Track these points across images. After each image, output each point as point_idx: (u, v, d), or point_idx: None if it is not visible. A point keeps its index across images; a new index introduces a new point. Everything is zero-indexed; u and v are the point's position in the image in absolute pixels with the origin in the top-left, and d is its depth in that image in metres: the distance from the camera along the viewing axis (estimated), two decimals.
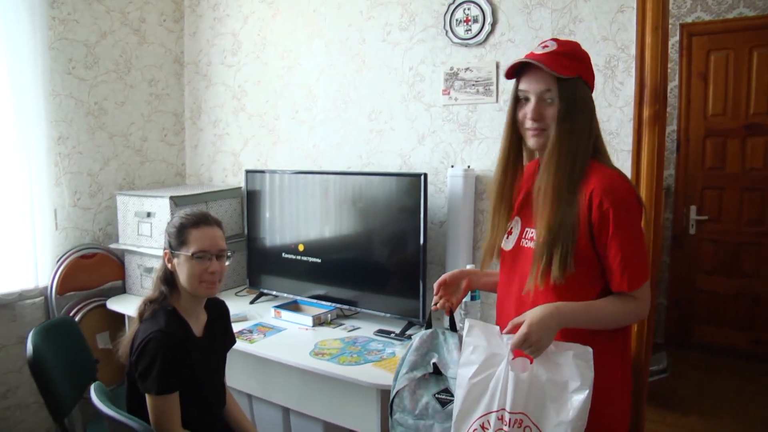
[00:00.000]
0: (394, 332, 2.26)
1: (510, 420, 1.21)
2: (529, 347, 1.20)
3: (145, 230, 2.71)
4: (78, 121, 2.77)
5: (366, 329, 2.33)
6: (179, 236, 1.60)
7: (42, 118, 2.57)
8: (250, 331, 2.30)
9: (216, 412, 1.73)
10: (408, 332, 2.25)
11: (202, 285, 1.60)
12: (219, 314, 1.80)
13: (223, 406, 1.78)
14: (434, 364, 1.47)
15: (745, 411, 3.05)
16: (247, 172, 2.82)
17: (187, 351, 1.56)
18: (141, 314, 1.60)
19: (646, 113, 1.92)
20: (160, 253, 2.49)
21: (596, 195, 1.27)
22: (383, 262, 2.39)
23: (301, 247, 2.59)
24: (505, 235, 1.45)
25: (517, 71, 1.36)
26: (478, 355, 1.29)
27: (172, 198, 2.62)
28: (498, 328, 1.31)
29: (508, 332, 1.26)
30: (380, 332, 2.28)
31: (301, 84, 2.84)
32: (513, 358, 1.25)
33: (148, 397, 1.50)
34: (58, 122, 2.69)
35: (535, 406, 1.22)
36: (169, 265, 1.61)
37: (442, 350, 1.49)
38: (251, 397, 2.33)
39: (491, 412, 1.24)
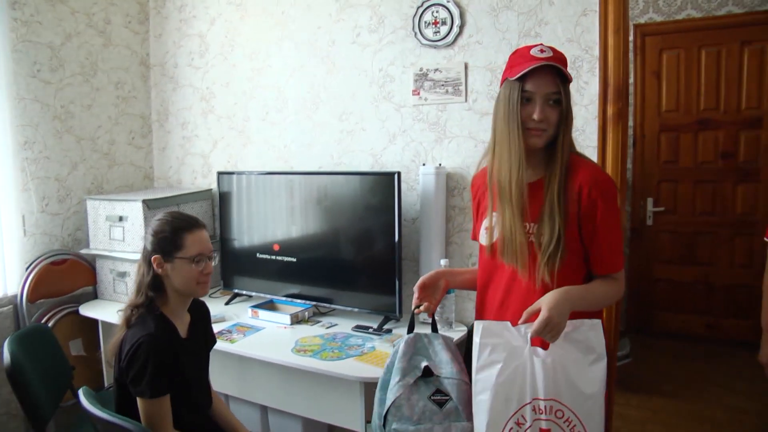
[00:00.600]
0: (371, 327, 2.31)
1: (545, 408, 1.23)
2: (549, 332, 1.24)
3: (117, 234, 2.68)
4: (44, 126, 2.72)
5: (344, 325, 2.38)
6: (173, 241, 1.61)
7: (6, 122, 2.52)
8: (230, 332, 2.31)
9: (203, 412, 1.76)
10: (385, 327, 2.30)
11: (198, 286, 1.65)
12: (201, 315, 1.83)
13: (209, 406, 1.80)
14: (426, 367, 1.45)
15: (703, 391, 3.22)
16: (219, 173, 2.82)
17: (175, 353, 1.58)
18: (127, 320, 1.61)
19: (610, 111, 2.03)
20: (135, 257, 2.49)
21: (585, 186, 1.36)
22: (359, 259, 2.44)
23: (276, 247, 2.62)
24: (484, 230, 1.51)
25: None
26: (500, 353, 1.28)
27: (144, 201, 2.61)
28: (508, 322, 1.33)
29: (525, 321, 1.28)
30: (358, 328, 2.33)
31: (271, 85, 2.86)
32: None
33: (140, 401, 1.51)
34: (23, 126, 2.63)
35: (564, 387, 1.24)
36: (160, 270, 1.62)
37: (428, 353, 1.50)
38: (228, 397, 2.35)
39: (525, 405, 1.25)
